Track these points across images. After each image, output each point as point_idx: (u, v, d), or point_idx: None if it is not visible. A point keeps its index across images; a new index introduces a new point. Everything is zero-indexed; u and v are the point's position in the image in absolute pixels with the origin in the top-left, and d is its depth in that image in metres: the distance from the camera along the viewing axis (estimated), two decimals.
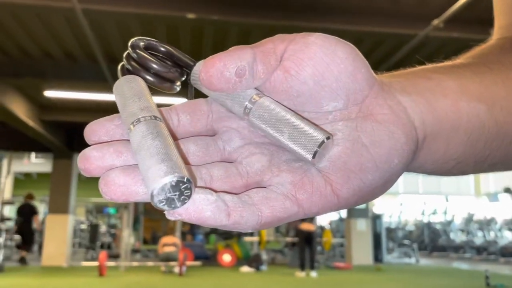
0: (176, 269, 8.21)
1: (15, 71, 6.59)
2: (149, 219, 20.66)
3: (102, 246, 13.36)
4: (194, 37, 5.77)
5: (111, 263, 8.74)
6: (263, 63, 0.27)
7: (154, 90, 0.32)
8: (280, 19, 4.91)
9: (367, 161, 0.27)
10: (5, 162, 9.75)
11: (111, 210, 18.06)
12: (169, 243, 8.82)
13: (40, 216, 11.84)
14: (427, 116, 0.30)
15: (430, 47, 5.96)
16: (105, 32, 5.66)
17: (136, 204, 10.76)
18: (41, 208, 17.33)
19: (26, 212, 10.62)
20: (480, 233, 14.49)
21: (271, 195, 0.26)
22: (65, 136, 10.48)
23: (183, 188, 0.23)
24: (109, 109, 6.53)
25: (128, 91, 0.29)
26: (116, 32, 5.68)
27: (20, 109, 7.68)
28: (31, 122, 8.20)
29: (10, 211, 15.56)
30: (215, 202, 0.24)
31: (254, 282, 7.33)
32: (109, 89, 6.91)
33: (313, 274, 7.97)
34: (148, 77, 0.31)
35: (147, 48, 0.32)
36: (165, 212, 0.24)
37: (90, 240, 13.03)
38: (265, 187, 0.27)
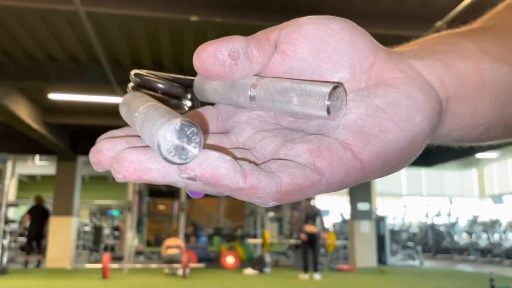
0: (180, 271, 8.22)
1: (19, 74, 6.63)
2: (153, 221, 20.64)
3: (105, 248, 13.39)
4: (197, 39, 5.79)
5: (115, 265, 8.76)
6: (257, 48, 0.27)
7: None
8: (282, 21, 4.89)
9: (386, 121, 0.26)
10: (9, 165, 9.78)
11: (115, 212, 18.10)
12: (173, 245, 8.83)
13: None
14: (446, 77, 0.29)
15: None
16: (108, 35, 5.69)
17: (140, 206, 10.77)
18: None
19: (39, 215, 10.35)
20: (484, 235, 14.43)
21: (290, 163, 0.25)
22: (69, 138, 10.53)
23: (190, 134, 0.22)
24: (113, 111, 6.56)
25: (132, 97, 0.30)
26: (120, 35, 5.70)
27: (24, 111, 7.72)
28: (35, 125, 8.24)
29: (14, 213, 15.60)
30: (231, 161, 0.23)
31: (257, 284, 7.33)
32: (113, 92, 6.95)
33: (317, 276, 7.96)
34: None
35: (150, 75, 0.33)
36: (177, 170, 0.23)
37: (94, 242, 13.05)
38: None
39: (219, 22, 4.88)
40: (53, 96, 7.72)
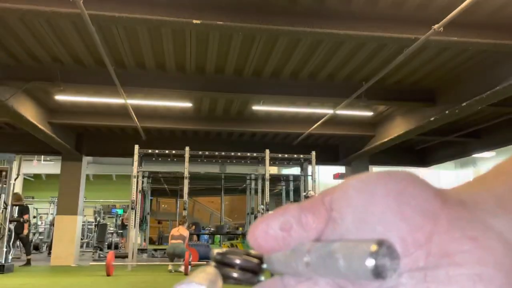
0: (182, 269, 8.34)
1: (25, 75, 6.73)
2: (155, 220, 20.71)
3: (109, 246, 13.50)
4: (199, 41, 5.88)
5: (119, 263, 8.85)
6: (312, 213, 0.26)
7: None
8: (283, 24, 4.98)
9: None
10: (15, 164, 9.90)
11: (119, 211, 18.24)
12: (176, 235, 8.89)
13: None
14: None
15: (430, 51, 6.03)
16: (112, 37, 5.78)
17: (143, 205, 10.88)
18: (50, 209, 17.55)
19: (19, 213, 9.99)
20: None
21: None
22: (74, 138, 10.64)
23: None
24: (117, 112, 6.67)
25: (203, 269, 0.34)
26: (124, 37, 5.80)
27: (29, 112, 7.84)
28: (40, 125, 8.35)
29: (18, 213, 15.73)
30: None
31: None
32: (116, 93, 7.05)
33: None
34: (232, 273, 0.35)
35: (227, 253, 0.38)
36: None
37: (98, 241, 13.18)
38: None
39: (221, 25, 4.95)
40: (58, 97, 7.82)
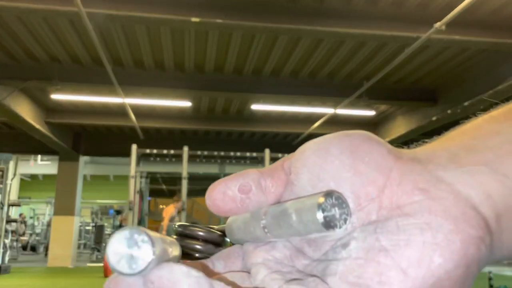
0: None
1: (22, 74, 6.67)
2: (154, 221, 20.70)
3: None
4: (198, 40, 5.83)
5: None
6: (271, 178, 0.26)
7: None
8: (283, 23, 4.94)
9: (388, 268, 0.20)
10: (11, 164, 9.83)
11: (116, 212, 18.16)
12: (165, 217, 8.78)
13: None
14: (494, 186, 0.23)
15: (432, 49, 5.99)
16: (110, 36, 5.73)
17: (141, 206, 10.82)
18: (47, 209, 17.47)
19: None
20: None
21: None
22: (71, 138, 10.57)
23: (140, 242, 0.20)
24: (115, 112, 6.61)
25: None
26: (122, 36, 5.74)
27: (26, 111, 7.77)
28: (37, 125, 8.29)
29: (15, 213, 15.67)
30: (197, 278, 0.20)
31: None
32: (114, 92, 6.99)
33: None
34: (194, 245, 0.34)
35: (189, 225, 0.37)
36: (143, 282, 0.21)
37: (96, 241, 13.12)
38: None
39: (220, 23, 4.91)
40: (55, 96, 7.76)
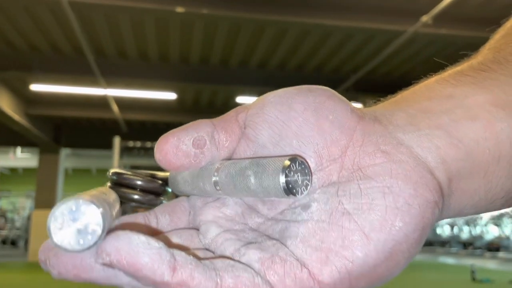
0: None
1: (1, 64, 6.49)
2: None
3: None
4: (183, 31, 5.73)
5: None
6: (225, 131, 0.25)
7: None
8: (269, 14, 4.90)
9: (352, 233, 0.21)
10: None
11: None
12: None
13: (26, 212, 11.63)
14: (448, 150, 0.23)
15: (418, 43, 6.00)
16: (92, 25, 5.59)
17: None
18: (27, 203, 17.17)
19: None
20: (466, 228, 14.68)
21: (240, 265, 0.21)
22: (52, 130, 10.38)
23: (86, 215, 0.18)
24: (97, 103, 6.46)
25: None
26: (104, 25, 5.61)
27: (5, 102, 7.57)
28: (17, 116, 8.09)
29: None
30: (158, 249, 0.19)
31: None
32: (96, 83, 6.84)
33: None
34: (132, 195, 0.31)
35: (125, 173, 0.33)
36: (94, 255, 0.19)
37: None
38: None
39: (206, 13, 4.83)
40: (36, 87, 7.58)
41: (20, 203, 17.80)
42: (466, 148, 0.23)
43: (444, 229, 15.76)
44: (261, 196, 0.23)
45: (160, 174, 0.34)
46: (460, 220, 15.02)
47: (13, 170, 19.30)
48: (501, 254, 12.07)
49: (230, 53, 6.47)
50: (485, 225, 14.10)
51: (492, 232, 13.85)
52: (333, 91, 0.25)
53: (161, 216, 0.27)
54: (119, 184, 0.32)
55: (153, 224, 0.26)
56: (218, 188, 0.25)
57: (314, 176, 0.23)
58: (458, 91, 0.25)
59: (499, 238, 13.00)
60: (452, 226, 15.34)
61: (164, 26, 5.62)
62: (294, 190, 0.21)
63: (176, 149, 0.24)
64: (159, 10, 4.79)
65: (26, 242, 12.60)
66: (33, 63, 6.47)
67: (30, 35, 5.87)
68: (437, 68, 0.30)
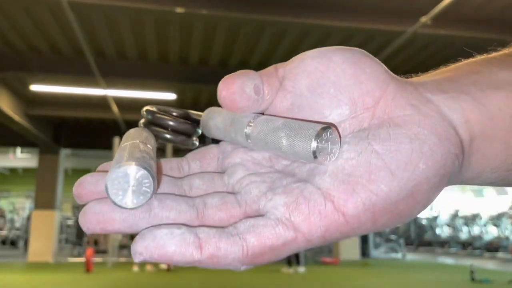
0: (164, 265, 8.19)
1: (0, 64, 6.48)
2: None
3: (88, 242, 13.26)
4: (183, 31, 5.73)
5: (98, 259, 8.69)
6: (267, 84, 0.26)
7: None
8: (269, 14, 4.90)
9: (378, 169, 0.22)
10: None
11: None
12: None
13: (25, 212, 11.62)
14: (472, 113, 0.25)
15: (418, 44, 6.00)
16: (92, 26, 5.59)
17: None
18: (27, 203, 17.15)
19: None
20: (465, 229, 14.68)
21: (260, 222, 0.23)
22: (51, 131, 10.37)
23: (140, 179, 0.22)
24: (96, 104, 6.48)
25: (133, 132, 0.30)
26: (104, 26, 5.61)
27: (5, 103, 7.56)
28: (16, 117, 8.09)
29: None
30: (181, 235, 0.21)
31: (239, 277, 7.35)
32: (96, 84, 6.85)
33: (301, 269, 8.01)
34: (165, 135, 0.33)
35: (159, 112, 0.35)
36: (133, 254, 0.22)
37: (77, 236, 12.93)
38: (261, 216, 0.24)
39: (205, 14, 4.83)
40: (35, 87, 7.58)
41: (19, 203, 17.78)
42: (489, 112, 0.25)
43: (443, 230, 15.76)
44: (291, 158, 0.25)
45: (194, 113, 0.35)
46: (459, 221, 15.02)
47: (13, 170, 19.28)
48: (500, 254, 12.07)
49: (230, 53, 6.48)
50: (484, 225, 14.09)
51: (491, 233, 13.85)
52: (367, 53, 0.26)
53: (192, 162, 0.30)
54: (152, 123, 0.33)
55: (186, 169, 0.29)
56: (249, 141, 0.26)
57: (347, 122, 0.25)
58: (485, 68, 0.28)
59: (498, 238, 13.00)
60: (451, 227, 15.34)
61: (164, 27, 5.63)
62: (323, 157, 0.23)
63: (242, 91, 0.26)
64: (159, 11, 4.80)
65: (26, 242, 12.60)
66: (32, 63, 6.47)
67: (30, 35, 5.88)
68: (437, 68, 0.31)
